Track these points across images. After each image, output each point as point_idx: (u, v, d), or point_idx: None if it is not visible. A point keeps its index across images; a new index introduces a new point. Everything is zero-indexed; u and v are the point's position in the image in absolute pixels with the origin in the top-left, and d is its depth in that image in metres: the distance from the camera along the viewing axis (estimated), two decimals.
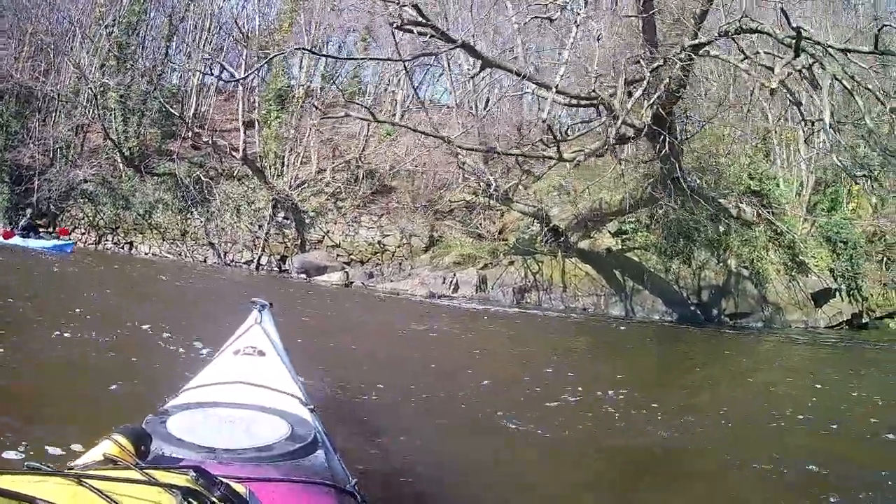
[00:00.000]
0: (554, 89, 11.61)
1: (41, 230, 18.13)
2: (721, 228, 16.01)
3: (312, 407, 2.06)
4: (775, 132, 19.23)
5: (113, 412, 3.76)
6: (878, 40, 10.06)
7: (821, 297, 18.58)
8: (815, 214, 19.04)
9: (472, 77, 14.61)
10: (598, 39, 12.07)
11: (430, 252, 16.31)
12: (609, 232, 16.67)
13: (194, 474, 1.09)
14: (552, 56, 15.60)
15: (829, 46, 11.04)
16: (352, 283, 16.01)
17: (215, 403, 1.88)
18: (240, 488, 1.15)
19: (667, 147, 12.90)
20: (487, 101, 17.16)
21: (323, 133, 18.59)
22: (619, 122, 11.88)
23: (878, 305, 20.92)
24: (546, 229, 15.76)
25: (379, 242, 17.03)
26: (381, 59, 15.34)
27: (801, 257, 17.84)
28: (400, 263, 16.48)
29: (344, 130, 18.39)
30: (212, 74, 17.99)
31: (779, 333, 16.24)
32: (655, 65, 11.92)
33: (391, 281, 15.78)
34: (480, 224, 17.07)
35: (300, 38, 19.06)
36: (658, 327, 15.19)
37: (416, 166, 17.00)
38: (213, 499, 1.06)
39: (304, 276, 16.75)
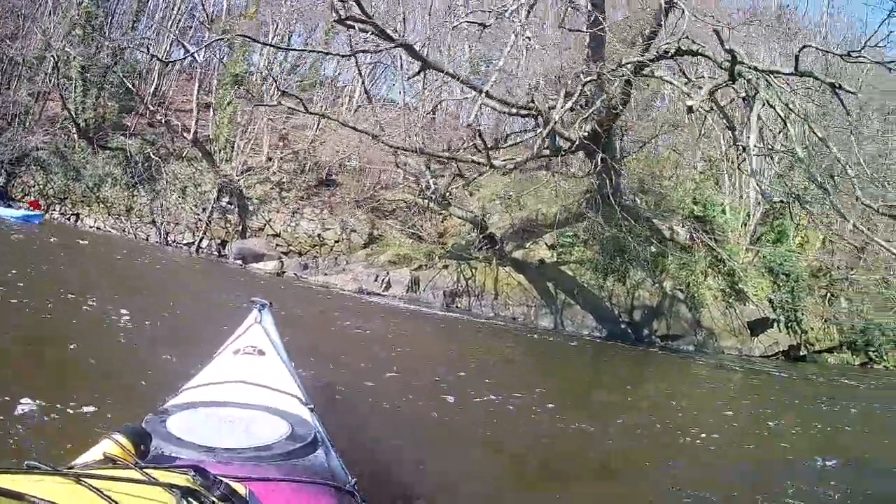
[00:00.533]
0: (483, 94, 11.67)
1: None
2: (652, 249, 16.09)
3: (312, 406, 2.07)
4: (725, 159, 19.34)
5: None
6: (798, 62, 10.10)
7: (757, 327, 18.73)
8: (760, 245, 19.18)
9: (410, 78, 14.67)
10: (528, 50, 12.12)
11: (369, 249, 16.32)
12: (545, 244, 16.75)
13: (194, 474, 1.10)
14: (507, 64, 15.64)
15: (754, 68, 11.10)
16: (285, 272, 16.02)
17: (215, 403, 1.89)
18: (239, 488, 1.16)
19: (602, 164, 13.00)
20: (438, 104, 17.25)
21: (275, 122, 18.58)
22: (547, 131, 11.93)
23: (818, 340, 21.11)
24: (482, 236, 15.82)
25: (319, 235, 17.04)
26: (318, 52, 15.33)
27: (740, 285, 17.98)
28: (336, 258, 16.48)
29: (296, 122, 18.37)
30: (160, 59, 17.76)
31: (711, 358, 16.35)
32: (588, 79, 11.99)
33: (325, 274, 15.79)
34: (421, 226, 17.10)
35: (266, 25, 19.07)
36: (587, 342, 15.28)
37: (361, 163, 17.01)
38: (213, 498, 1.07)
39: (240, 262, 16.73)
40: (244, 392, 2.03)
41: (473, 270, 15.96)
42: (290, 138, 18.36)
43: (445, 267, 15.98)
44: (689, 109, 10.23)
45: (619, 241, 16.44)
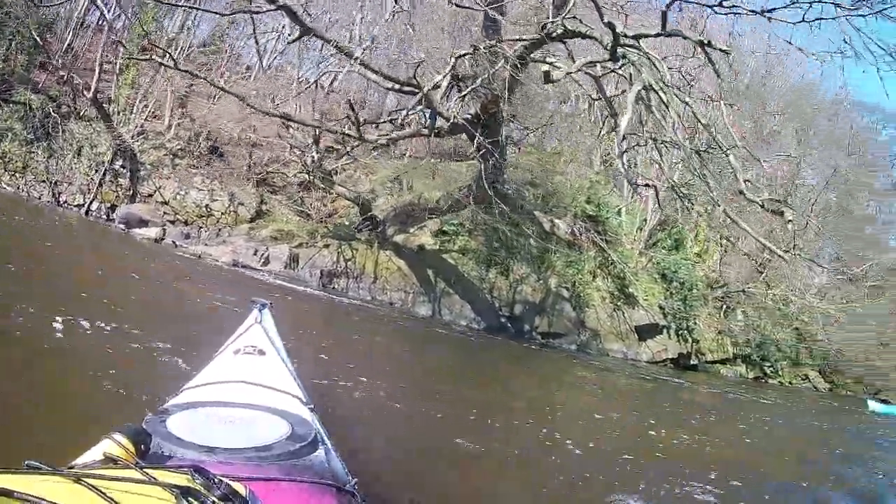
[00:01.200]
0: (355, 60, 11.62)
1: None
2: (531, 242, 16.25)
3: (312, 406, 2.07)
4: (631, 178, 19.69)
5: None
6: (666, 20, 9.54)
7: (646, 332, 19.07)
8: (655, 251, 19.52)
9: (290, 43, 14.59)
10: (412, 27, 12.16)
11: (254, 223, 16.20)
12: (430, 231, 16.78)
13: (194, 473, 1.10)
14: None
15: (624, 35, 10.66)
16: (163, 239, 15.79)
17: (215, 403, 1.89)
18: (240, 488, 1.15)
19: (484, 150, 12.90)
20: (335, 77, 17.19)
21: (176, 88, 18.32)
22: (414, 105, 11.84)
23: (711, 350, 21.60)
24: (363, 217, 15.81)
25: (207, 206, 16.82)
26: (193, 8, 15.16)
27: (630, 289, 18.25)
28: (220, 230, 16.31)
29: (198, 90, 18.14)
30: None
31: (594, 360, 16.55)
32: (461, 53, 11.94)
33: (205, 244, 15.60)
34: (311, 204, 17.03)
35: None
36: (464, 333, 15.30)
37: (255, 136, 16.90)
38: (213, 498, 1.06)
39: (123, 226, 16.45)
40: (244, 392, 2.04)
41: (354, 252, 15.85)
42: (190, 106, 18.11)
43: (326, 246, 15.83)
44: (546, 77, 9.84)
45: (505, 233, 16.59)
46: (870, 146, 34.72)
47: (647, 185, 13.95)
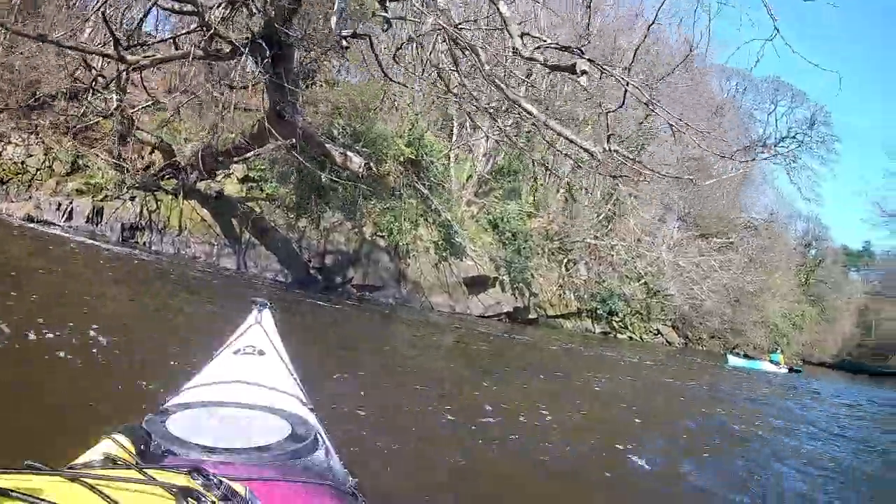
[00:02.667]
0: None
1: None
2: (345, 188, 15.24)
3: (312, 407, 2.13)
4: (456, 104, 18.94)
5: None
6: None
7: (476, 285, 18.54)
8: (488, 200, 18.96)
9: None
10: None
11: (67, 177, 14.40)
12: (236, 177, 15.44)
13: (194, 474, 1.12)
14: None
15: None
16: None
17: (215, 403, 1.92)
18: (239, 488, 1.17)
19: (273, 76, 11.53)
20: None
21: None
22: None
23: (553, 304, 21.41)
24: (165, 164, 14.31)
25: (23, 162, 14.82)
26: None
27: (457, 239, 17.52)
28: (30, 185, 14.38)
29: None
30: None
31: (415, 314, 15.71)
32: None
33: (11, 201, 13.73)
34: (128, 156, 15.29)
35: None
36: (268, 287, 13.99)
37: (75, 86, 15.03)
38: (213, 498, 1.07)
39: None
40: (244, 392, 2.06)
41: (158, 203, 14.47)
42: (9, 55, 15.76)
43: (133, 198, 14.35)
44: None
45: (317, 178, 15.48)
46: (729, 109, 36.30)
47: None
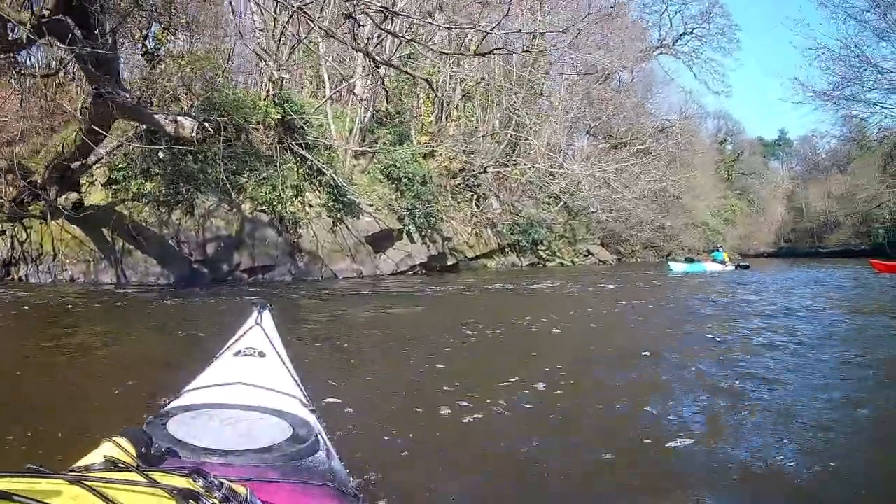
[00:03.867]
0: None
1: None
2: (218, 168, 13.85)
3: (313, 408, 2.14)
4: (326, 62, 17.58)
5: None
6: None
7: (381, 241, 17.57)
8: (377, 149, 17.77)
9: None
10: None
11: None
12: (100, 182, 13.89)
13: (195, 476, 1.14)
14: None
15: None
16: None
17: (216, 405, 1.94)
18: (240, 489, 1.20)
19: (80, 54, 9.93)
20: None
21: None
22: None
23: (471, 245, 20.63)
24: (24, 185, 12.53)
25: None
26: None
27: (349, 196, 16.31)
28: None
29: None
30: None
31: (317, 286, 14.43)
32: None
33: None
34: None
35: None
36: (145, 294, 12.45)
37: None
38: (214, 500, 1.10)
39: None
40: (245, 394, 2.07)
41: (28, 231, 12.94)
42: None
43: (2, 232, 12.71)
44: None
45: (181, 163, 14.03)
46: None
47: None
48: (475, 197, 20.88)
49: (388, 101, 18.95)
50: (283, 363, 2.45)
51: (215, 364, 2.46)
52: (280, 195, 15.34)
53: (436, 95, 19.47)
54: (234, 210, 15.16)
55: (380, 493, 2.49)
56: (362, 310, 10.57)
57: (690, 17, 49.02)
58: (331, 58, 18.21)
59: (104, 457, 1.25)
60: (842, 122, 43.34)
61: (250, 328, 2.73)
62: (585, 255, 25.75)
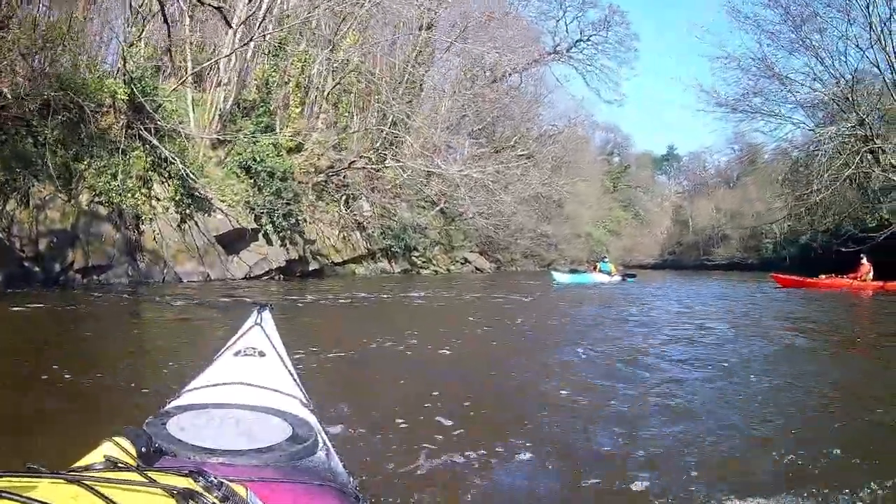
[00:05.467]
0: None
1: None
2: (56, 152, 12.87)
3: (313, 408, 2.20)
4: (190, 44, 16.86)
5: None
6: None
7: (234, 241, 17.06)
8: (236, 138, 17.16)
9: None
10: None
11: None
12: None
13: (194, 475, 1.16)
14: None
15: None
16: None
17: (216, 404, 1.96)
18: (240, 489, 1.22)
19: None
20: None
21: None
22: None
23: (338, 249, 20.45)
24: None
25: None
26: None
27: (201, 191, 15.64)
28: None
29: None
30: None
31: (159, 291, 13.71)
32: None
33: None
34: None
35: None
36: None
37: None
38: (214, 500, 1.12)
39: None
40: (245, 393, 2.10)
41: None
42: None
43: None
44: None
45: (23, 147, 12.92)
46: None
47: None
48: (344, 198, 20.69)
49: (255, 90, 18.47)
50: (283, 363, 2.52)
51: (215, 364, 2.51)
52: (120, 186, 14.52)
53: (306, 84, 19.14)
54: (72, 201, 14.25)
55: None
56: (179, 324, 10.01)
57: (588, 24, 50.97)
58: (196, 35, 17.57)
59: (104, 456, 1.29)
60: (732, 140, 46.60)
61: (250, 328, 2.78)
62: (462, 263, 26.18)
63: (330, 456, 1.85)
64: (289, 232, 18.26)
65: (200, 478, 1.16)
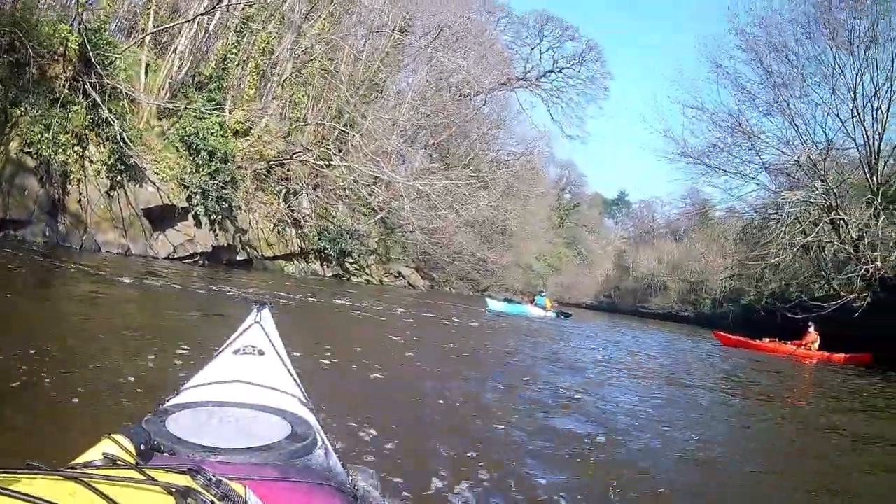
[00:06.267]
0: None
1: None
2: None
3: (312, 406, 2.27)
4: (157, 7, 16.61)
5: None
6: None
7: (162, 218, 16.79)
8: (184, 112, 16.89)
9: None
10: None
11: None
12: None
13: (193, 473, 1.20)
14: None
15: None
16: None
17: (215, 403, 2.04)
18: (239, 487, 1.26)
19: None
20: None
21: None
22: None
23: (271, 244, 20.29)
24: None
25: None
26: None
27: (134, 159, 15.31)
28: None
29: None
30: None
31: (75, 259, 13.24)
32: None
33: None
34: None
35: None
36: None
37: None
38: (212, 498, 1.15)
39: None
40: (244, 392, 2.19)
41: None
42: None
43: None
44: None
45: None
46: None
47: None
48: (284, 191, 20.52)
49: (212, 65, 18.26)
50: (283, 362, 2.58)
51: (214, 362, 2.58)
52: (52, 139, 14.16)
53: (265, 68, 19.04)
54: (3, 147, 13.79)
55: None
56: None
57: (563, 56, 52.06)
58: None
59: (103, 454, 1.33)
60: (686, 194, 47.69)
61: (249, 326, 2.84)
62: (396, 276, 26.21)
63: (328, 454, 1.92)
64: (220, 217, 18.00)
65: (199, 476, 1.21)
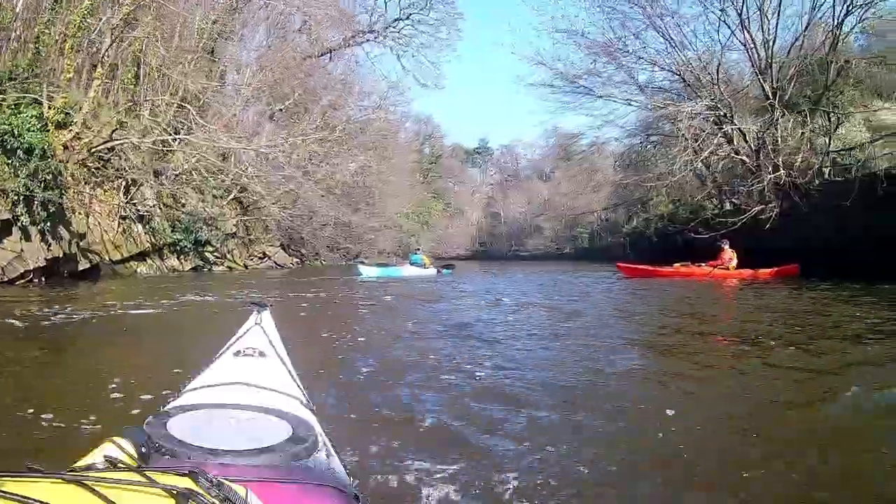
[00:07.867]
0: None
1: None
2: None
3: (314, 408, 2.34)
4: None
5: None
6: None
7: None
8: None
9: None
10: None
11: None
12: None
13: (195, 476, 1.24)
14: None
15: None
16: None
17: (216, 405, 2.08)
18: (240, 489, 1.30)
19: None
20: None
21: None
22: None
23: (117, 245, 19.06)
24: None
25: None
26: None
27: None
28: None
29: None
30: None
31: None
32: None
33: None
34: None
35: None
36: None
37: None
38: (214, 500, 1.19)
39: None
40: (245, 394, 2.24)
41: None
42: None
43: None
44: None
45: None
46: None
47: None
48: (124, 184, 19.22)
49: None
50: (284, 363, 2.65)
51: (215, 364, 2.63)
52: None
53: (83, 46, 17.55)
54: None
55: None
56: None
57: (410, 2, 50.84)
58: None
59: (104, 457, 1.37)
60: (549, 133, 48.68)
61: (250, 328, 2.93)
62: (261, 258, 25.51)
63: (330, 456, 1.94)
64: (50, 224, 16.52)
65: (200, 478, 1.24)
